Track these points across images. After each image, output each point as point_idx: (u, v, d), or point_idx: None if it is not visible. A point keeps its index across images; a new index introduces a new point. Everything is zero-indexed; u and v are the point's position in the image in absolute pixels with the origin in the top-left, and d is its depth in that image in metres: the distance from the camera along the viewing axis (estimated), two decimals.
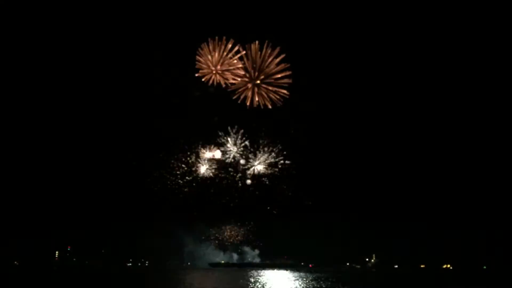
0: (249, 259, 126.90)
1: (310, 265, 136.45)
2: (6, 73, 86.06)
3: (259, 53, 47.48)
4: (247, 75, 47.93)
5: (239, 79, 47.65)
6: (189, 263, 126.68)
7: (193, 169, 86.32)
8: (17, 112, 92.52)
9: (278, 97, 51.23)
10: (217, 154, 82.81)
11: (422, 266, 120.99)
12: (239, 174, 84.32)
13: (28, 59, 78.90)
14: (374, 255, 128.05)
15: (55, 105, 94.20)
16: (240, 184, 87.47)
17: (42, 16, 75.46)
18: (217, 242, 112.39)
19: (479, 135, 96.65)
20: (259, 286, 45.98)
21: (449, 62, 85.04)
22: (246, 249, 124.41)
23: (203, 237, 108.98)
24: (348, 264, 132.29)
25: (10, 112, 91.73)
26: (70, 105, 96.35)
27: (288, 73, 48.39)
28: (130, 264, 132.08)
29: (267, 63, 47.44)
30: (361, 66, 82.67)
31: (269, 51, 46.01)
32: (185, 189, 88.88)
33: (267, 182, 71.00)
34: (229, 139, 77.95)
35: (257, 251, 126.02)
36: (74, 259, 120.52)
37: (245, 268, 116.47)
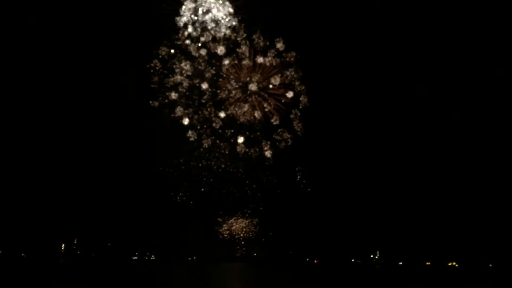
0: (254, 254, 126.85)
1: (315, 261, 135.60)
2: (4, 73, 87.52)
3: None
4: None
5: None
6: (194, 257, 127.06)
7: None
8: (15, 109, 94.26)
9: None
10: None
11: (427, 263, 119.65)
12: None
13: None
14: (378, 251, 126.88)
15: (52, 104, 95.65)
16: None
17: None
18: (220, 236, 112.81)
19: (484, 133, 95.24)
20: None
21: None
22: (251, 244, 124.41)
23: (205, 231, 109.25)
24: (353, 260, 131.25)
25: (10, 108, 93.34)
26: (69, 104, 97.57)
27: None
28: (136, 258, 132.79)
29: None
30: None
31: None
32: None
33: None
34: None
35: (262, 247, 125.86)
36: (79, 252, 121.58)
37: (249, 263, 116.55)
